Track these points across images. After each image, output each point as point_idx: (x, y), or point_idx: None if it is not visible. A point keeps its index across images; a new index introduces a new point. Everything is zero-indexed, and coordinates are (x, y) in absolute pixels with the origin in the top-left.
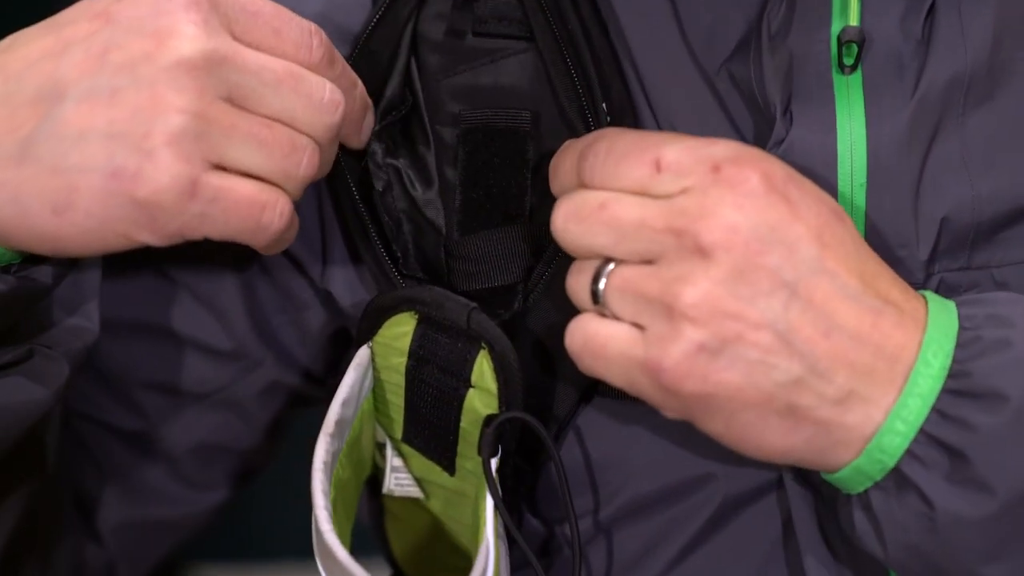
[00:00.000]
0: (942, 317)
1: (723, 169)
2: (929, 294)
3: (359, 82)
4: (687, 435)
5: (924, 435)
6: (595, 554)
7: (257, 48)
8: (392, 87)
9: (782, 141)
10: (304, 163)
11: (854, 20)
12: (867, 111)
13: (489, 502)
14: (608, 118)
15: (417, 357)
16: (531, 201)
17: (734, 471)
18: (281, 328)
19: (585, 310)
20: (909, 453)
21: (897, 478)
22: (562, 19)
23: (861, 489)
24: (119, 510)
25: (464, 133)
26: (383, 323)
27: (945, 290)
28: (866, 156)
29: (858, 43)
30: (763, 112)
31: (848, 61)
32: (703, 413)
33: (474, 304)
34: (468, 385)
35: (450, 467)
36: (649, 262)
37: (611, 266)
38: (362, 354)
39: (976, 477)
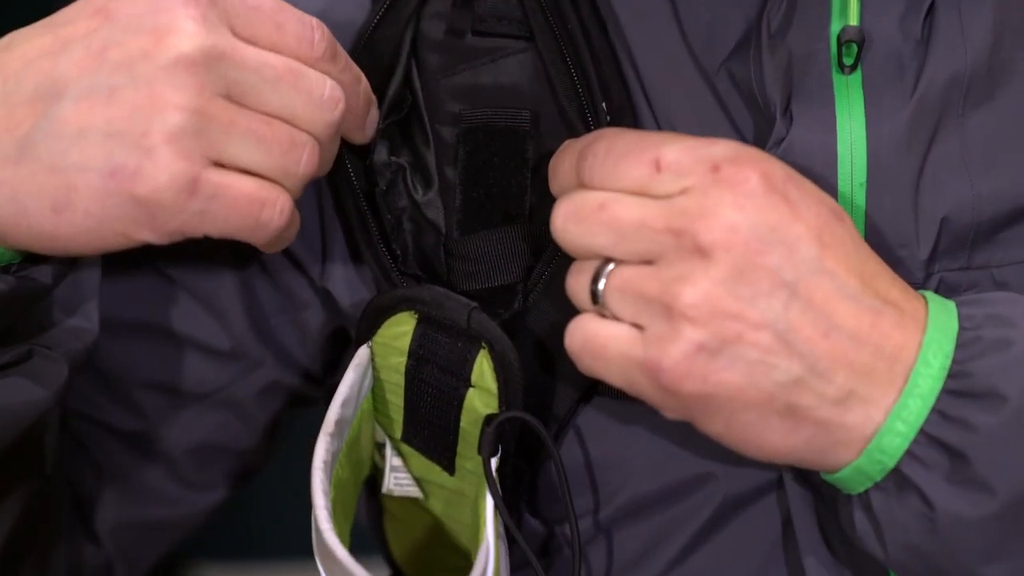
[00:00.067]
0: (942, 317)
1: (723, 169)
2: (929, 294)
3: (363, 77)
4: (687, 435)
5: (924, 435)
6: (595, 554)
7: (257, 44)
8: (395, 86)
9: (782, 141)
10: (304, 160)
11: (854, 20)
12: (867, 111)
13: (489, 502)
14: (608, 118)
15: (417, 357)
16: (531, 201)
17: (734, 471)
18: (280, 328)
19: (585, 310)
20: (909, 453)
21: (897, 478)
22: (562, 19)
23: (861, 489)
24: (117, 510)
25: (464, 133)
26: (383, 323)
27: (945, 290)
28: (866, 156)
29: (858, 43)
30: (763, 112)
31: (848, 61)
32: (703, 413)
33: (474, 304)
34: (468, 385)
35: (450, 467)
36: (649, 262)
37: (611, 266)
38: (362, 354)
39: (976, 477)
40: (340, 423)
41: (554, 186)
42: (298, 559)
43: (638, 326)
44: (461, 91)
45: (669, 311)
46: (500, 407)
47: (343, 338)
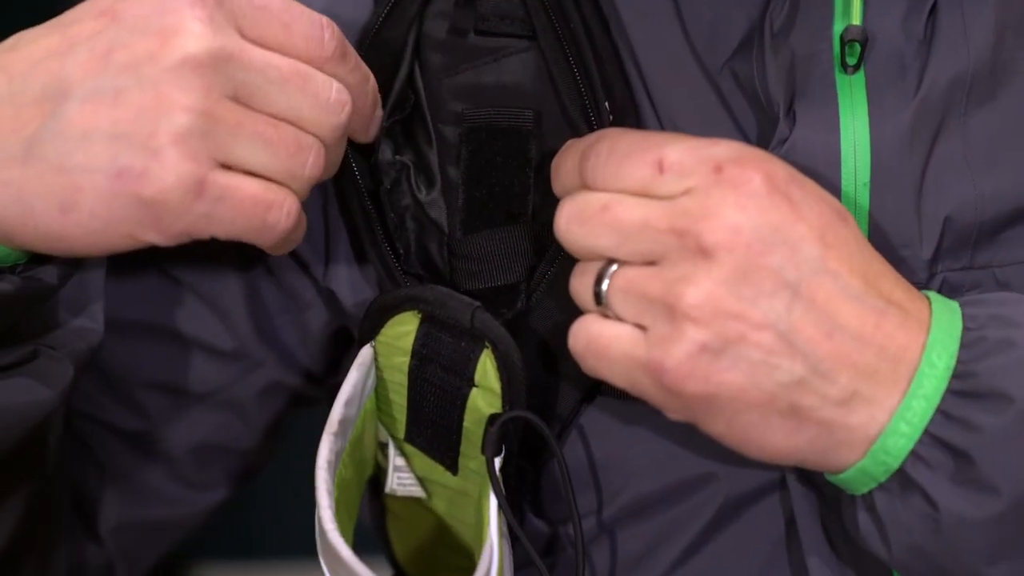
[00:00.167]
0: (946, 318)
1: (725, 170)
2: (933, 295)
3: (371, 77)
4: (689, 435)
5: (928, 436)
6: (598, 554)
7: (265, 44)
8: (399, 85)
9: (785, 140)
10: (310, 163)
11: (857, 19)
12: (870, 111)
13: (493, 501)
14: (610, 117)
15: (420, 356)
16: (534, 200)
17: (736, 471)
18: (283, 328)
19: (588, 311)
20: (913, 454)
21: (901, 479)
22: (564, 18)
23: (865, 490)
24: (119, 511)
25: (467, 132)
26: (386, 322)
27: (948, 290)
28: (869, 155)
29: (861, 43)
30: (766, 111)
31: (851, 61)
32: (705, 414)
33: (478, 303)
34: (471, 384)
35: (453, 466)
36: (652, 263)
37: (614, 267)
38: (365, 353)
39: (981, 478)
40: (343, 422)
41: (557, 186)
42: (299, 559)
43: (641, 327)
44: (464, 90)
45: (672, 312)
46: (503, 407)
47: (345, 338)
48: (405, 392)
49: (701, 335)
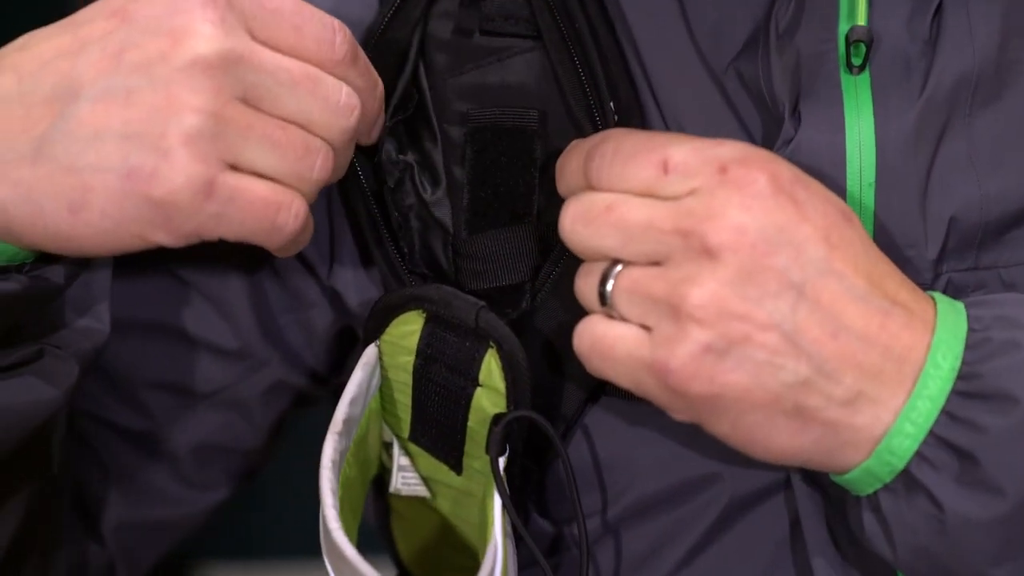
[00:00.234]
0: (951, 318)
1: (730, 170)
2: (938, 295)
3: (379, 82)
4: (694, 435)
5: (933, 437)
6: (602, 554)
7: (276, 47)
8: (403, 85)
9: (790, 140)
10: (318, 166)
11: (862, 20)
12: (875, 111)
13: (497, 501)
14: (615, 117)
15: (425, 356)
16: (538, 200)
17: (740, 472)
18: (287, 328)
19: (593, 312)
20: (918, 455)
21: (906, 480)
22: (569, 18)
23: (870, 491)
24: (121, 510)
25: (471, 132)
26: (391, 321)
27: (953, 290)
28: (875, 156)
29: (866, 43)
30: (771, 111)
31: (856, 61)
32: (710, 414)
33: (482, 303)
34: (476, 384)
35: (457, 466)
36: (657, 264)
37: (619, 268)
38: (369, 352)
39: (986, 479)
40: (348, 422)
41: (561, 187)
42: (300, 558)
43: (646, 327)
44: (469, 90)
45: (676, 312)
46: (508, 406)
47: (349, 338)
48: (409, 392)
49: (706, 335)
